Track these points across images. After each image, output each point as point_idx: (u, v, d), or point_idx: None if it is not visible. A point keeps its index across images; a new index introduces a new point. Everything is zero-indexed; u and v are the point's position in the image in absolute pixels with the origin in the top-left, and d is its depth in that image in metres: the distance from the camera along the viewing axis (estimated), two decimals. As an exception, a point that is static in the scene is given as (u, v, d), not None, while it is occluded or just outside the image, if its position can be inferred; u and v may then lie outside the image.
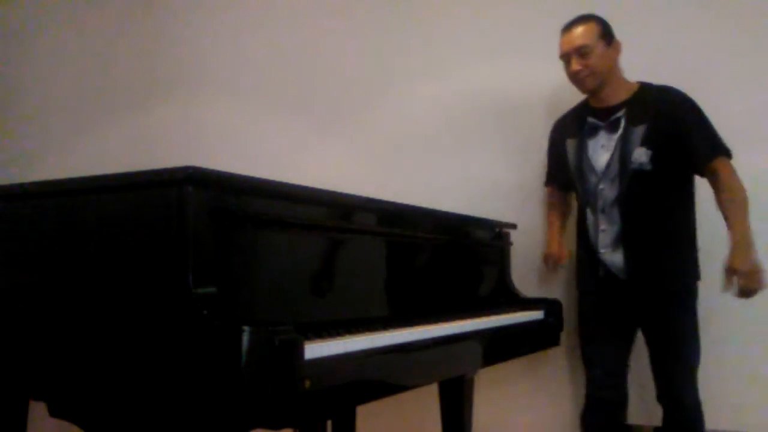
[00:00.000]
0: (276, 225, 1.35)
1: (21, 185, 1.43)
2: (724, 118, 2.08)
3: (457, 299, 1.99)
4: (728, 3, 2.33)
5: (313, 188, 1.45)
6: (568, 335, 2.31)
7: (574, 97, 2.24)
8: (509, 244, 2.34)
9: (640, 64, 2.19)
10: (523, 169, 2.57)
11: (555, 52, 2.14)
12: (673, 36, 2.36)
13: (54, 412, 1.27)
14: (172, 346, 1.10)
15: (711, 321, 2.17)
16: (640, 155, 2.03)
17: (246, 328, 1.02)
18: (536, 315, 2.13)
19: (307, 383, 1.09)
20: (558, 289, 2.42)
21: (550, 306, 2.19)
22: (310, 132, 2.89)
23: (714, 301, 2.14)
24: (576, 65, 2.10)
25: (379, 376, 1.33)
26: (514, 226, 2.33)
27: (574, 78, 2.13)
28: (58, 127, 3.33)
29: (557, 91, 2.45)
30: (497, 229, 2.29)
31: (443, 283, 1.95)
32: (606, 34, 2.10)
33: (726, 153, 2.02)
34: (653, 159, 2.02)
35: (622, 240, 2.07)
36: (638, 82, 2.14)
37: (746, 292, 1.92)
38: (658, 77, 2.15)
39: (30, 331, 1.32)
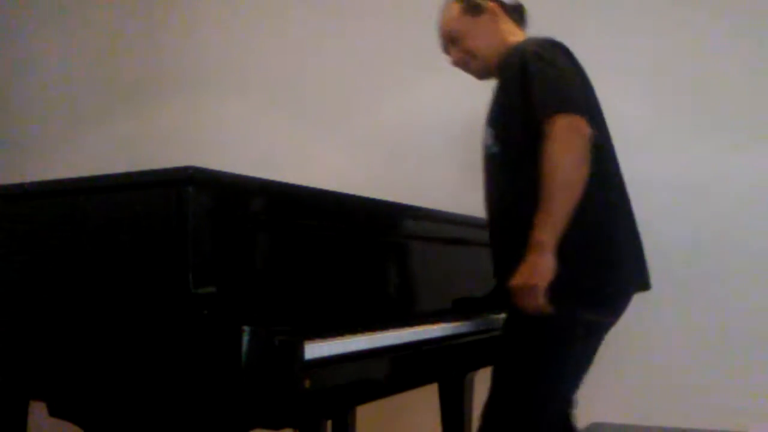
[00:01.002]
0: (276, 225, 1.35)
1: (21, 185, 1.43)
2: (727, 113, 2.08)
3: (457, 299, 1.99)
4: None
5: (313, 188, 1.45)
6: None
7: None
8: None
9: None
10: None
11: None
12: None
13: (54, 412, 1.27)
14: (172, 346, 1.10)
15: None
16: (487, 137, 1.72)
17: (246, 328, 1.02)
18: (536, 315, 2.13)
19: (307, 383, 1.09)
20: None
21: (550, 306, 2.18)
22: (310, 132, 2.89)
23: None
24: (454, 54, 1.86)
25: (379, 376, 1.33)
26: (514, 226, 2.33)
27: (461, 68, 1.88)
28: (58, 126, 3.33)
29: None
30: (497, 229, 2.28)
31: (443, 283, 1.95)
32: (469, 7, 1.81)
33: (552, 111, 1.45)
34: (497, 138, 1.66)
35: (490, 239, 1.72)
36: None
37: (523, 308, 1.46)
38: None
39: (30, 331, 1.32)
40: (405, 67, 2.76)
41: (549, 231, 1.41)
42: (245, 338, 1.01)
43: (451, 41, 1.86)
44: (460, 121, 2.66)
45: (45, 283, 1.32)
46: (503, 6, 1.83)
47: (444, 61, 2.70)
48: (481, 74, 1.87)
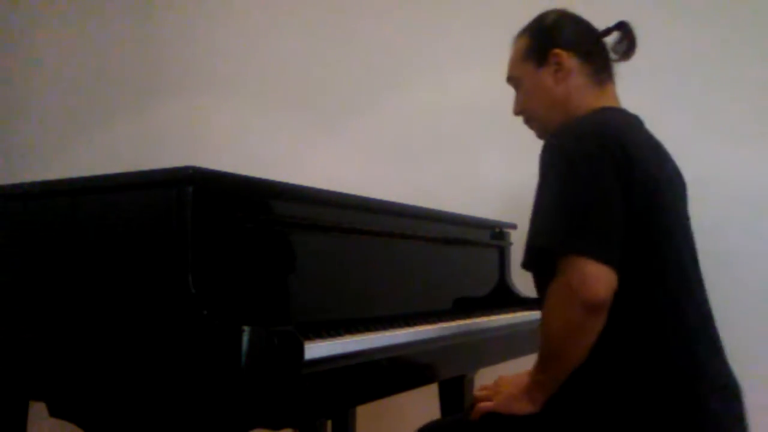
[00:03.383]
0: (276, 225, 1.35)
1: (21, 185, 1.43)
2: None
3: (457, 299, 1.99)
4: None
5: (314, 188, 1.45)
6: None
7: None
8: (509, 244, 2.34)
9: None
10: (523, 169, 2.56)
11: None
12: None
13: (54, 412, 1.27)
14: (172, 346, 1.10)
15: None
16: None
17: (246, 328, 1.02)
18: (536, 315, 2.12)
19: (307, 383, 1.09)
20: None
21: (550, 306, 2.18)
22: (310, 132, 2.89)
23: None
24: (515, 103, 1.52)
25: (379, 376, 1.33)
26: (514, 226, 2.33)
27: (524, 122, 1.54)
28: (58, 126, 3.33)
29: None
30: (497, 229, 2.29)
31: (443, 283, 1.95)
32: (537, 49, 1.43)
33: (566, 249, 1.17)
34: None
35: None
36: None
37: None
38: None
39: (30, 331, 1.32)
40: (405, 67, 2.76)
41: (538, 390, 1.28)
42: (245, 338, 1.01)
43: (512, 86, 1.52)
44: (461, 121, 2.67)
45: (45, 283, 1.32)
46: (585, 55, 1.41)
47: (444, 61, 2.72)
48: (542, 137, 1.47)
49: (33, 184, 1.40)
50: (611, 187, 1.19)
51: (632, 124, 1.37)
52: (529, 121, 1.51)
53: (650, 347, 1.22)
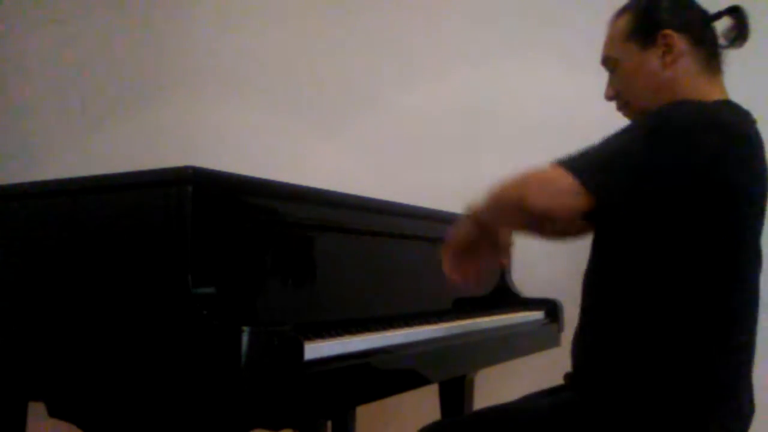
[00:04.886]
0: (276, 225, 1.35)
1: (21, 185, 1.43)
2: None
3: (457, 299, 1.99)
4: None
5: (314, 188, 1.45)
6: (568, 335, 2.31)
7: (577, 98, 2.22)
8: (509, 244, 2.33)
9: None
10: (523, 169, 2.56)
11: (556, 52, 2.12)
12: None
13: (53, 413, 1.27)
14: (172, 347, 1.10)
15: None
16: None
17: (245, 328, 1.01)
18: (536, 315, 2.13)
19: (307, 383, 1.09)
20: (558, 289, 2.42)
21: (550, 306, 2.19)
22: (310, 132, 2.89)
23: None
24: (608, 86, 1.42)
25: (379, 376, 1.33)
26: (514, 226, 2.33)
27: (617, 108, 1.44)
28: (58, 126, 3.33)
29: (558, 92, 2.44)
30: (497, 230, 2.29)
31: (444, 283, 1.94)
32: (644, 28, 1.32)
33: (561, 162, 1.19)
34: None
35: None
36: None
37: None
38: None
39: (29, 331, 1.32)
40: (406, 67, 2.76)
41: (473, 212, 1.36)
42: (245, 338, 1.01)
43: (608, 68, 1.42)
44: (461, 121, 2.67)
45: (44, 283, 1.32)
46: (696, 38, 1.31)
47: (445, 61, 2.72)
48: None
49: (33, 184, 1.40)
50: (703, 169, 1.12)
51: (754, 124, 1.27)
52: (625, 107, 1.40)
53: (697, 359, 1.20)
